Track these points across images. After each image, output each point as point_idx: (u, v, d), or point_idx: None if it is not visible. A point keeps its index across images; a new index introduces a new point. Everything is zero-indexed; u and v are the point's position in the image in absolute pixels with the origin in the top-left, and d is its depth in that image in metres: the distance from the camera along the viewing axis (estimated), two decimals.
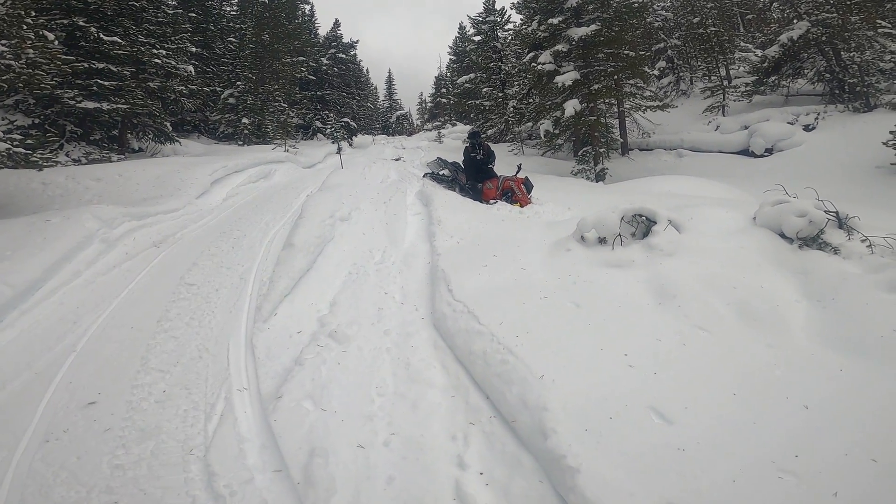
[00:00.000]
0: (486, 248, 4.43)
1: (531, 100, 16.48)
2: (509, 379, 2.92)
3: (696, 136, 13.72)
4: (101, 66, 11.60)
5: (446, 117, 35.07)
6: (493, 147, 9.56)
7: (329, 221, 5.91)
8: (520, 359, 3.00)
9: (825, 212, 4.00)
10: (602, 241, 4.14)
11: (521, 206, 6.88)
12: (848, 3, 11.89)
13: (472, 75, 23.39)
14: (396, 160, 16.48)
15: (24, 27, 6.95)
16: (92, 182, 8.24)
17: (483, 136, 18.41)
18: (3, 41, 6.69)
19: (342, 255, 5.08)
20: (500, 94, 21.16)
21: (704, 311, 3.28)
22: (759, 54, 15.18)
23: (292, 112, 24.16)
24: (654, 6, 19.85)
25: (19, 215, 6.37)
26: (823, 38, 12.13)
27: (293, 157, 15.60)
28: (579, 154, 12.62)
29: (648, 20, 18.88)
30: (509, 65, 21.19)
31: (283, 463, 2.50)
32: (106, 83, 11.57)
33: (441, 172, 8.98)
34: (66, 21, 11.21)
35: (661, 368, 2.85)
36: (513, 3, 15.90)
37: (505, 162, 9.09)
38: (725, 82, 16.32)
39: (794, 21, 12.94)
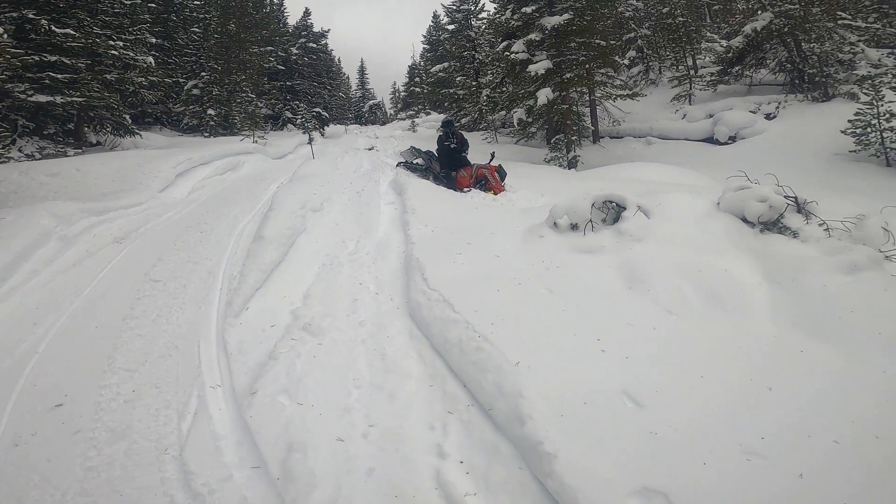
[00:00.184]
0: (461, 236, 4.45)
1: (504, 88, 16.52)
2: (485, 366, 2.94)
3: (664, 125, 14.06)
4: (53, 58, 11.10)
5: (420, 106, 34.81)
6: (467, 136, 9.54)
7: (300, 212, 5.81)
8: (495, 346, 3.03)
9: (785, 197, 4.16)
10: (574, 227, 4.21)
11: (495, 193, 6.93)
12: None
13: (445, 64, 23.21)
14: (369, 150, 16.29)
15: None
16: (47, 178, 7.85)
17: (457, 124, 18.38)
18: None
19: (315, 246, 5.01)
20: (474, 83, 21.11)
21: (673, 295, 3.39)
22: (725, 45, 15.58)
23: (261, 102, 23.51)
24: None
25: None
26: (786, 30, 12.53)
27: (262, 149, 15.21)
28: (552, 142, 12.75)
29: (619, 10, 19.09)
30: (483, 53, 21.15)
31: (260, 459, 2.47)
32: (59, 76, 11.09)
33: (415, 161, 8.94)
34: (15, 14, 10.67)
35: (633, 353, 2.93)
36: None
37: (478, 150, 9.12)
38: (692, 72, 16.70)
39: (759, 12, 13.30)
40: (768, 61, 14.05)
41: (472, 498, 2.21)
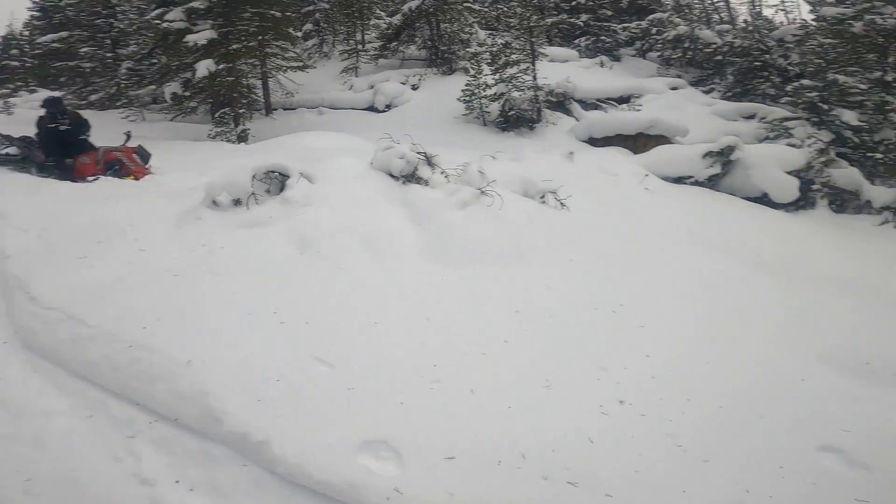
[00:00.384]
0: (85, 234, 3.52)
1: (155, 60, 13.88)
2: (151, 376, 2.52)
3: (335, 95, 14.93)
4: None
5: (20, 83, 25.22)
6: (97, 115, 7.51)
7: None
8: (155, 351, 2.60)
9: (418, 153, 5.03)
10: (237, 202, 3.95)
11: (137, 178, 5.85)
12: None
13: (64, 34, 17.32)
14: None
15: None
16: None
17: (82, 102, 14.45)
18: None
19: None
20: (111, 55, 16.75)
21: (342, 252, 3.66)
22: (388, 21, 17.26)
23: None
24: None
25: None
26: (431, 10, 14.83)
27: None
28: (216, 116, 11.59)
29: None
30: (126, 22, 16.90)
31: None
32: None
33: (4, 151, 6.51)
34: None
35: (312, 316, 3.03)
36: None
37: (113, 131, 7.39)
38: (360, 46, 17.99)
39: None
40: (417, 38, 16.48)
41: None
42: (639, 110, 12.11)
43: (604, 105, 12.94)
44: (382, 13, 21.27)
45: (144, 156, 6.25)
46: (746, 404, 2.84)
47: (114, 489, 2.09)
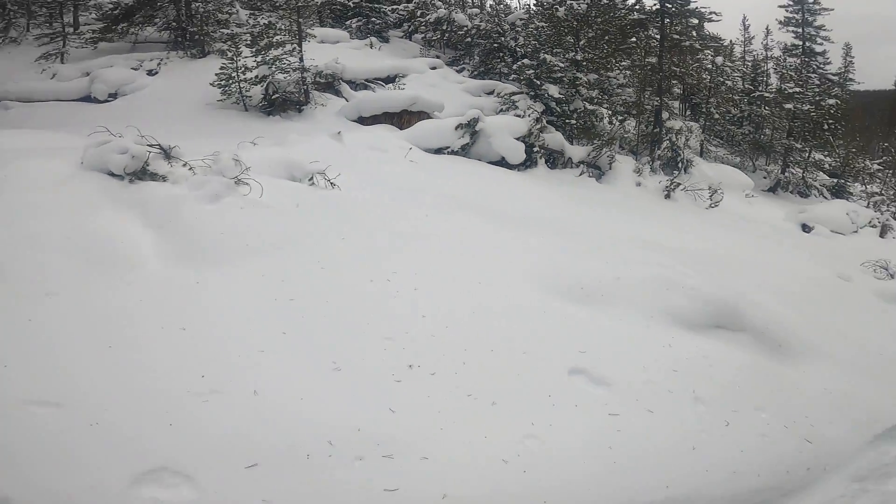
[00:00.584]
0: None
1: None
2: None
3: (29, 86, 11.67)
4: None
5: None
6: None
7: None
8: None
9: (149, 146, 4.30)
10: None
11: None
12: None
13: None
14: None
15: None
16: None
17: None
18: None
19: None
20: None
21: (42, 276, 2.89)
22: (113, 1, 13.92)
23: None
24: None
25: None
26: None
27: None
28: None
29: None
30: None
31: None
32: None
33: None
34: None
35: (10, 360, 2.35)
36: None
37: None
38: (70, 29, 14.15)
39: None
40: (157, 20, 13.82)
41: None
42: (403, 89, 12.85)
43: (372, 85, 13.33)
44: None
45: None
46: (509, 344, 3.31)
47: None
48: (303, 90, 10.80)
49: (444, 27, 16.99)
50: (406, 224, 4.62)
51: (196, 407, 2.40)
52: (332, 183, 5.29)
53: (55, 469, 1.94)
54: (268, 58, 10.07)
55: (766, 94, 17.43)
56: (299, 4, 11.17)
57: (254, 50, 10.10)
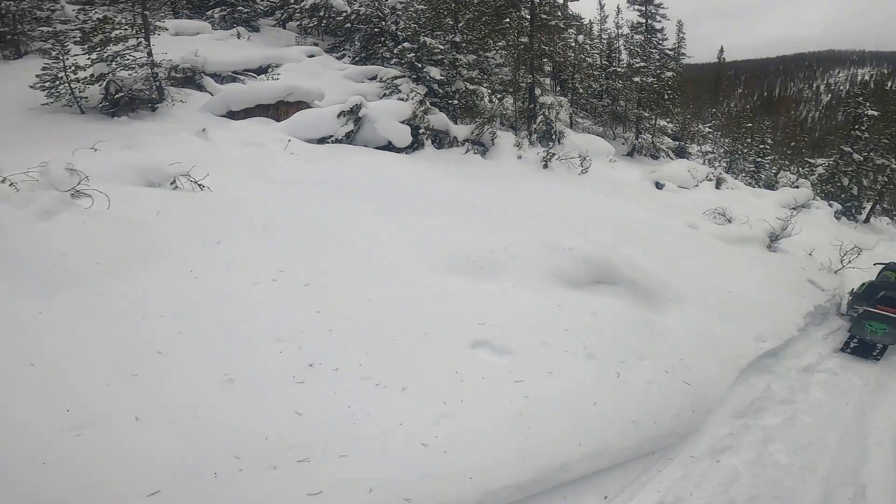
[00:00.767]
0: None
1: None
2: None
3: None
4: None
5: None
6: None
7: None
8: None
9: None
10: None
11: None
12: None
13: None
14: None
15: None
16: None
17: None
18: None
19: None
20: None
21: None
22: None
23: None
24: None
25: None
26: None
27: None
28: None
29: None
30: None
31: None
32: None
33: None
34: None
35: None
36: None
37: None
38: None
39: None
40: None
41: None
42: (277, 79, 12.04)
43: (242, 77, 12.31)
44: None
45: None
46: (411, 328, 3.28)
47: None
48: (154, 87, 9.54)
49: (322, 13, 16.16)
50: (290, 219, 4.34)
51: (68, 443, 2.13)
52: (199, 185, 4.77)
53: None
54: (105, 55, 8.70)
55: (619, 70, 19.44)
56: None
57: (86, 47, 8.66)
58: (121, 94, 8.84)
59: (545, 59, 15.44)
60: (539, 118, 13.32)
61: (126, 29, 9.44)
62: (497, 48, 15.57)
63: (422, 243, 4.23)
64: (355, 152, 7.35)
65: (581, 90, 18.86)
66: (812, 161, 20.07)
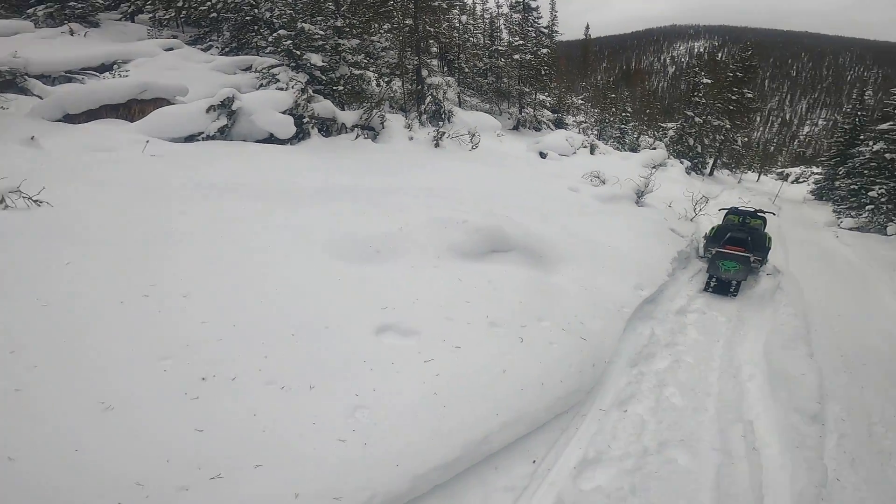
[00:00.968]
0: None
1: None
2: None
3: None
4: None
5: None
6: None
7: None
8: None
9: None
10: None
11: None
12: None
13: None
14: None
15: None
16: None
17: None
18: None
19: None
20: None
21: None
22: None
23: None
24: None
25: None
26: None
27: None
28: None
29: None
30: None
31: None
32: None
33: None
34: None
35: None
36: None
37: None
38: None
39: None
40: None
41: None
42: (126, 76, 10.58)
43: (80, 77, 10.62)
44: None
45: None
46: (311, 321, 3.15)
47: None
48: None
49: (181, 3, 14.41)
50: (157, 227, 3.87)
51: None
52: (35, 201, 4.05)
53: None
54: None
55: (501, 48, 20.24)
56: None
57: None
58: None
59: (431, 41, 15.49)
60: (428, 99, 13.40)
61: None
62: (382, 31, 15.28)
63: (313, 234, 4.05)
64: (231, 148, 6.76)
65: (467, 69, 19.34)
66: (664, 125, 22.83)
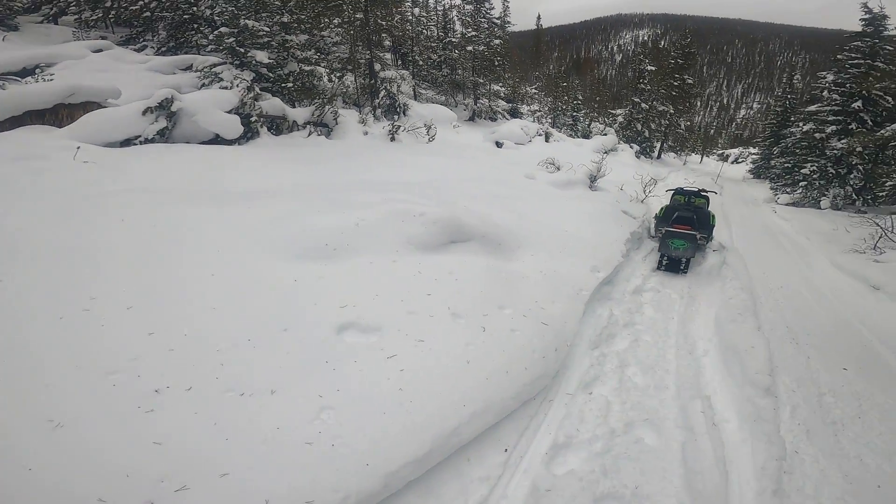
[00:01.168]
0: None
1: None
2: None
3: None
4: None
5: None
6: None
7: None
8: None
9: None
10: None
11: None
12: None
13: None
14: None
15: None
16: None
17: None
18: None
19: None
20: None
21: None
22: None
23: None
24: None
25: None
26: None
27: None
28: None
29: None
30: None
31: None
32: None
33: None
34: None
35: None
36: None
37: None
38: None
39: None
40: None
41: None
42: (51, 80, 9.85)
43: None
44: None
45: None
46: (268, 325, 3.07)
47: None
48: None
49: (109, 4, 13.49)
50: (93, 237, 3.63)
51: None
52: None
53: None
54: None
55: (454, 40, 20.21)
56: None
57: None
58: None
59: (384, 35, 15.26)
60: (382, 93, 13.22)
61: None
62: (332, 26, 14.92)
63: (266, 235, 3.92)
64: (173, 151, 6.42)
65: (421, 62, 19.21)
66: (614, 112, 23.59)
